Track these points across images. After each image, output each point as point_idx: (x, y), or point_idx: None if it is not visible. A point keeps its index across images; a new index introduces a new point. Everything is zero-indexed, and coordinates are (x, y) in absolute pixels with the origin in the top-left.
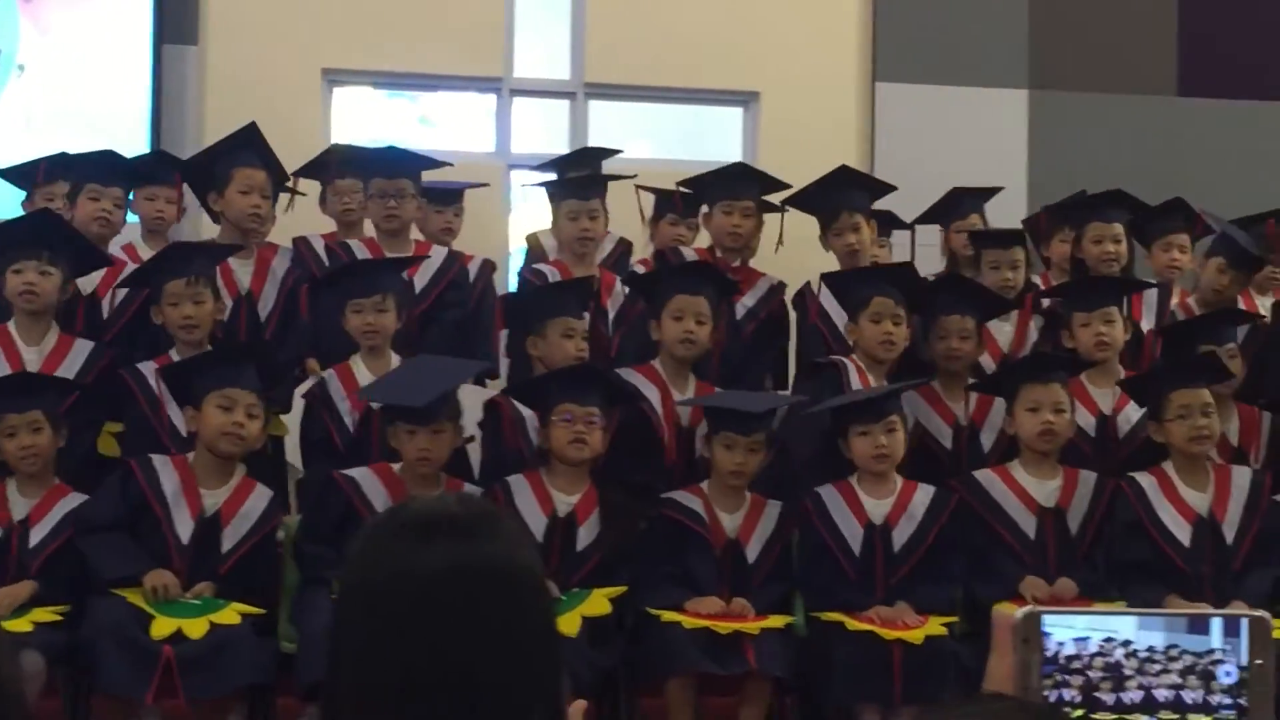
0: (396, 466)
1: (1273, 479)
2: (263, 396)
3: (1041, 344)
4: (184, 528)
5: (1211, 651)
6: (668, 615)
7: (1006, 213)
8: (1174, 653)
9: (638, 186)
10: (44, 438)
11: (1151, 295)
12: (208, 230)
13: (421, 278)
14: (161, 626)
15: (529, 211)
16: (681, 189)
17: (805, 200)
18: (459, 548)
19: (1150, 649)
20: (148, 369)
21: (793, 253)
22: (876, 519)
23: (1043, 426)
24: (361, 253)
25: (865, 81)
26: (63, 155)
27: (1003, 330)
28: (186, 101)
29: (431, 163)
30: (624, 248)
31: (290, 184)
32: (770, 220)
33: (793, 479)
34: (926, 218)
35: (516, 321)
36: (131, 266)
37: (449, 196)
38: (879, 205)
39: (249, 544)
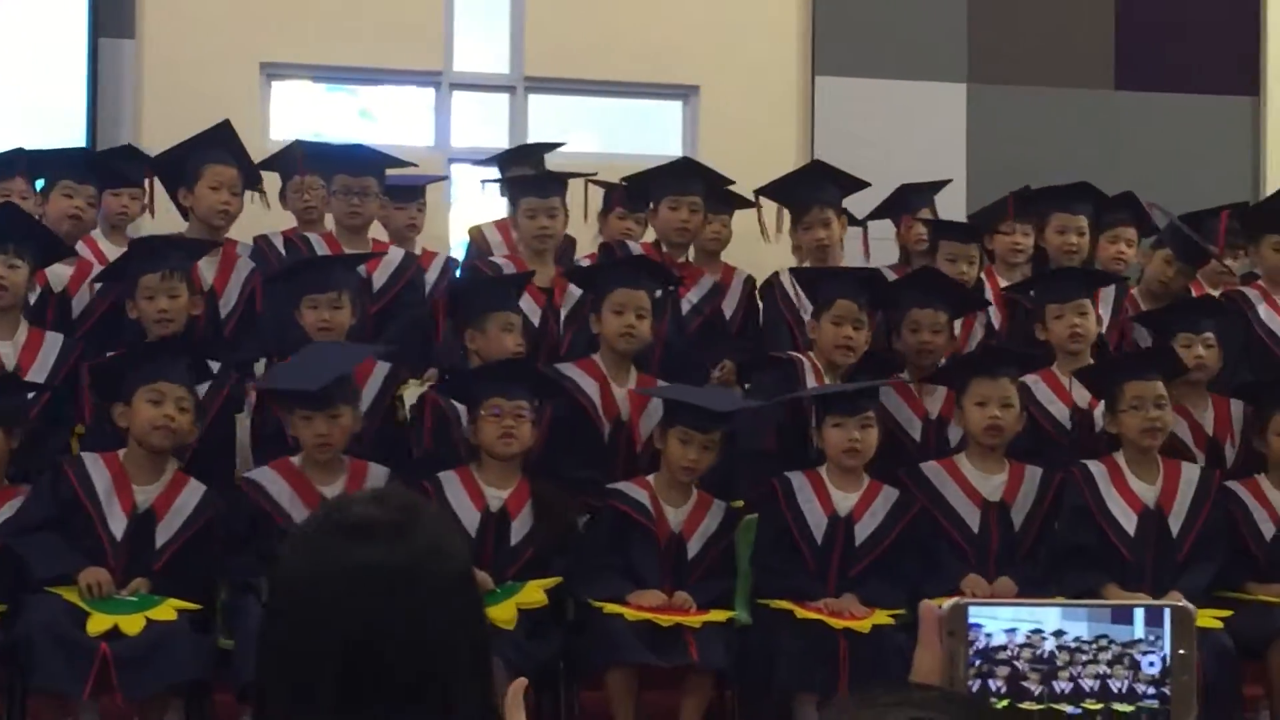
0: (296, 459)
1: (1240, 468)
2: (192, 390)
3: (1010, 337)
4: (117, 525)
5: (1136, 641)
6: (609, 607)
7: (946, 206)
8: (1102, 643)
9: (587, 181)
10: None
11: (1109, 289)
12: (164, 226)
13: (379, 277)
14: (98, 623)
15: (470, 205)
16: (625, 184)
17: (776, 193)
18: (384, 548)
19: (1077, 639)
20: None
21: (749, 247)
22: (842, 511)
23: (989, 421)
24: (320, 248)
25: (805, 75)
26: (38, 151)
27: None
28: (123, 95)
29: (396, 161)
30: (567, 244)
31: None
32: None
33: (740, 469)
34: (878, 214)
35: (456, 314)
36: (97, 262)
37: (411, 193)
38: None
39: (183, 539)
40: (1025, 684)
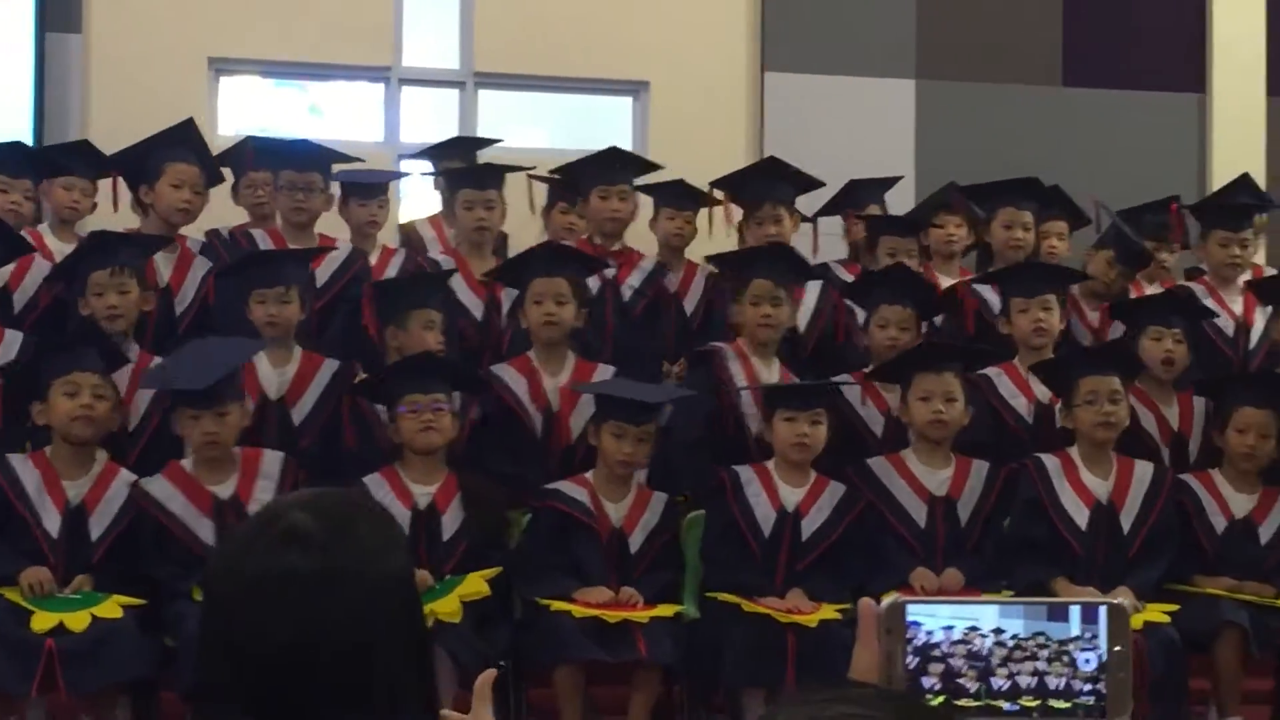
0: (186, 461)
1: (1201, 464)
2: (106, 377)
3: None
4: (51, 522)
5: (1073, 639)
6: (556, 605)
7: (895, 201)
8: (1039, 640)
9: (530, 176)
10: None
11: None
12: (104, 221)
13: (323, 272)
14: (42, 620)
15: (419, 201)
16: (555, 176)
17: (730, 188)
18: (318, 552)
19: (1014, 637)
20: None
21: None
22: (789, 506)
23: (933, 416)
24: (265, 243)
25: (754, 71)
26: None
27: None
28: (70, 90)
29: (342, 156)
30: (501, 239)
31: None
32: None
33: (678, 463)
34: (827, 210)
35: (378, 311)
36: (43, 258)
37: (373, 189)
38: None
39: (116, 531)
40: (961, 681)
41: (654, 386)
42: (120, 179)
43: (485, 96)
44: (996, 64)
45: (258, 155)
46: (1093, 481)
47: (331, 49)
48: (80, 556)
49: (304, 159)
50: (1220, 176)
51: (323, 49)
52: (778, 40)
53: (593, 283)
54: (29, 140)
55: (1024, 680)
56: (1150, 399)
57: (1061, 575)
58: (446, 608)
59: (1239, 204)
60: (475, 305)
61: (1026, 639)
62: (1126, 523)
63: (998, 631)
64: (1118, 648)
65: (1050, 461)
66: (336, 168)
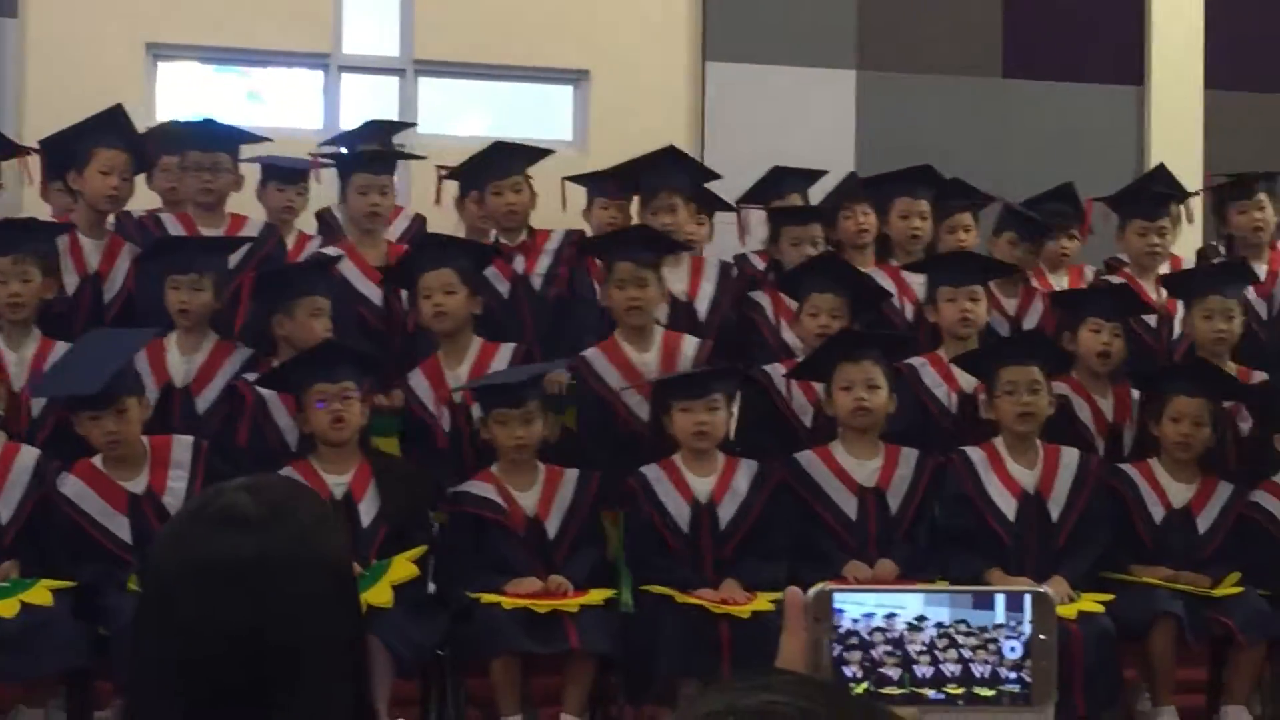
0: (96, 459)
1: (1136, 454)
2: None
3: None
4: None
5: (998, 626)
6: (486, 597)
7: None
8: (963, 628)
9: (440, 171)
10: None
11: None
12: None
13: (238, 253)
14: None
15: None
16: (445, 173)
17: (625, 176)
18: (254, 537)
19: (939, 625)
20: None
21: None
22: (702, 496)
23: (855, 404)
24: (175, 227)
25: (695, 60)
26: None
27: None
28: (6, 75)
29: (251, 137)
30: (419, 224)
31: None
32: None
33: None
34: (749, 197)
35: (262, 299)
36: None
37: (294, 175)
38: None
39: (27, 509)
40: (885, 670)
41: (519, 368)
42: (37, 157)
43: (425, 84)
44: (937, 55)
45: (164, 139)
46: (1019, 472)
47: (271, 35)
48: None
49: (208, 139)
50: None
51: (262, 35)
52: (719, 30)
53: (504, 284)
54: None
55: (949, 668)
56: (1086, 390)
57: (995, 566)
58: (379, 596)
59: (1154, 192)
60: (373, 292)
61: (950, 626)
62: (1055, 511)
63: (921, 620)
64: (1042, 636)
65: (976, 454)
66: (264, 151)
